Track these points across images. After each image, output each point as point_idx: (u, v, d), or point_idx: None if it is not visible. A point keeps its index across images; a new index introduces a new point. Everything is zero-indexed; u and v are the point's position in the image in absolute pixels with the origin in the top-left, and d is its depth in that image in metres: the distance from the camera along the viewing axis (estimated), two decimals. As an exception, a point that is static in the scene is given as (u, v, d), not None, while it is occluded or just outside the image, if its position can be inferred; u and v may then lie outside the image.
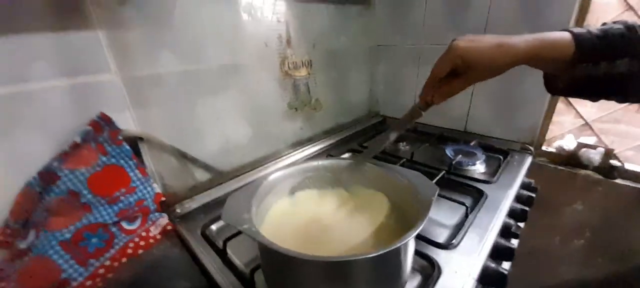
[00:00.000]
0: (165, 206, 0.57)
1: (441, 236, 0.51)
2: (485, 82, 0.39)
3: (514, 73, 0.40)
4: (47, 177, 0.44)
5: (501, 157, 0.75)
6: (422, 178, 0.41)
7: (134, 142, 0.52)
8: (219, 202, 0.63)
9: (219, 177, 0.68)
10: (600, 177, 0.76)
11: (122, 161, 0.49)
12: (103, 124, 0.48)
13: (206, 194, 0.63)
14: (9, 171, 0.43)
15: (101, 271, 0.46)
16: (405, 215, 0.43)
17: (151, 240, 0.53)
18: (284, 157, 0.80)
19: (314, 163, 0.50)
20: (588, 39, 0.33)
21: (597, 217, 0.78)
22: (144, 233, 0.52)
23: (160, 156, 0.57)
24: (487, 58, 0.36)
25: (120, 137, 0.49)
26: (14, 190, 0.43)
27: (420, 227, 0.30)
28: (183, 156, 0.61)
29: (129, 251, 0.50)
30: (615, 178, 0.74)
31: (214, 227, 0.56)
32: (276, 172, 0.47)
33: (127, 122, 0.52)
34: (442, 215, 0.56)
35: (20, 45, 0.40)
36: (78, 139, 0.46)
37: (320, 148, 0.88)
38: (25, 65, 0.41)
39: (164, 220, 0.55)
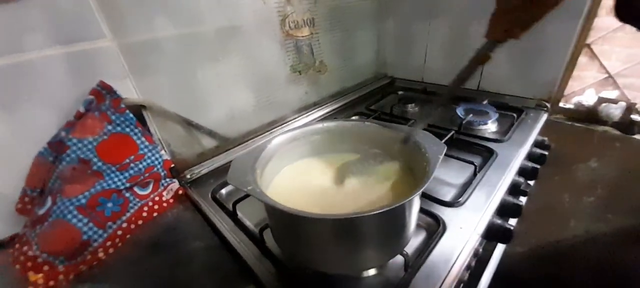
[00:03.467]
0: (175, 172, 0.58)
1: (448, 195, 0.51)
2: None
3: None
4: (56, 146, 0.45)
5: (515, 115, 0.72)
6: (430, 138, 0.40)
7: (138, 110, 0.52)
8: (227, 168, 0.63)
9: (226, 143, 0.68)
10: (618, 133, 0.73)
11: (127, 129, 0.49)
12: (104, 93, 0.47)
13: (214, 160, 0.64)
14: (19, 142, 0.44)
15: (119, 232, 0.48)
16: (413, 176, 0.43)
17: (165, 204, 0.55)
18: (290, 122, 0.79)
19: (318, 126, 0.49)
20: None
21: (611, 174, 0.77)
22: (157, 198, 0.54)
23: (165, 124, 0.57)
24: None
25: (123, 105, 0.49)
26: (27, 160, 0.45)
27: (425, 185, 0.29)
28: (188, 123, 0.61)
29: (144, 214, 0.52)
30: (634, 134, 0.71)
31: (223, 191, 0.58)
32: (279, 135, 0.46)
33: (129, 91, 0.51)
34: (451, 175, 0.55)
35: (5, 14, 0.39)
36: (82, 109, 0.46)
37: (327, 113, 0.86)
38: (17, 35, 0.40)
39: (175, 185, 0.57)
